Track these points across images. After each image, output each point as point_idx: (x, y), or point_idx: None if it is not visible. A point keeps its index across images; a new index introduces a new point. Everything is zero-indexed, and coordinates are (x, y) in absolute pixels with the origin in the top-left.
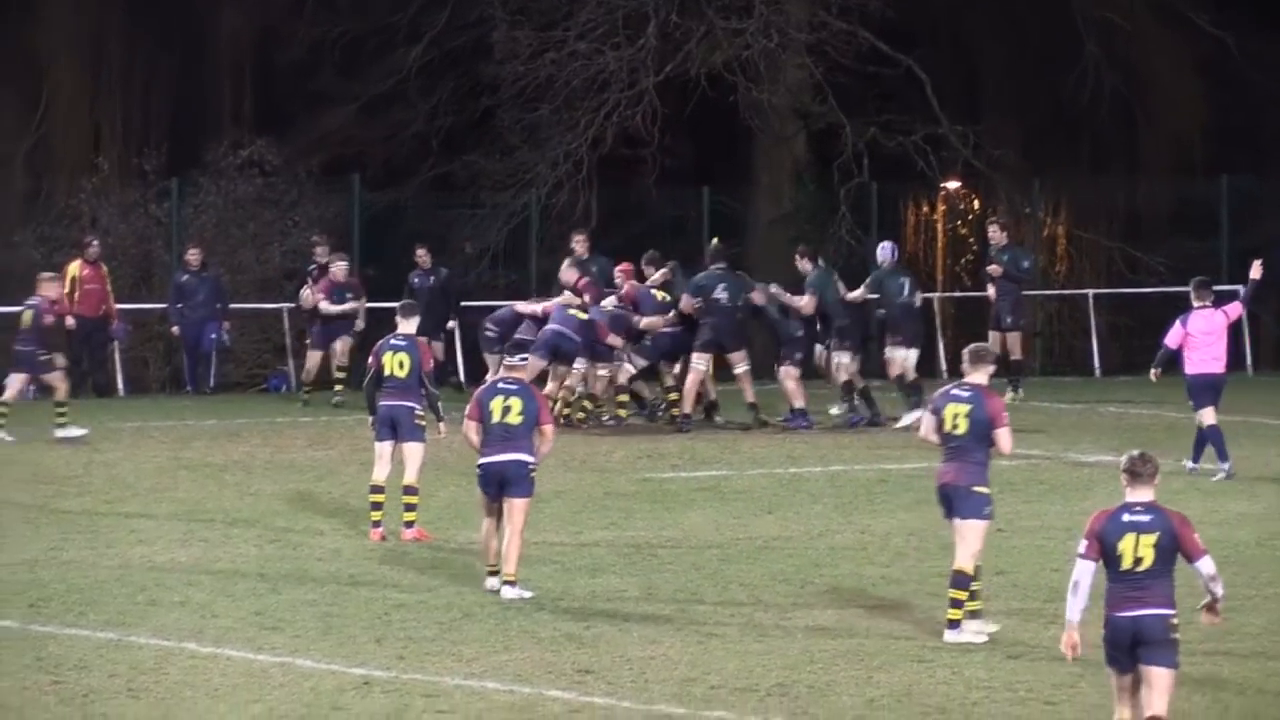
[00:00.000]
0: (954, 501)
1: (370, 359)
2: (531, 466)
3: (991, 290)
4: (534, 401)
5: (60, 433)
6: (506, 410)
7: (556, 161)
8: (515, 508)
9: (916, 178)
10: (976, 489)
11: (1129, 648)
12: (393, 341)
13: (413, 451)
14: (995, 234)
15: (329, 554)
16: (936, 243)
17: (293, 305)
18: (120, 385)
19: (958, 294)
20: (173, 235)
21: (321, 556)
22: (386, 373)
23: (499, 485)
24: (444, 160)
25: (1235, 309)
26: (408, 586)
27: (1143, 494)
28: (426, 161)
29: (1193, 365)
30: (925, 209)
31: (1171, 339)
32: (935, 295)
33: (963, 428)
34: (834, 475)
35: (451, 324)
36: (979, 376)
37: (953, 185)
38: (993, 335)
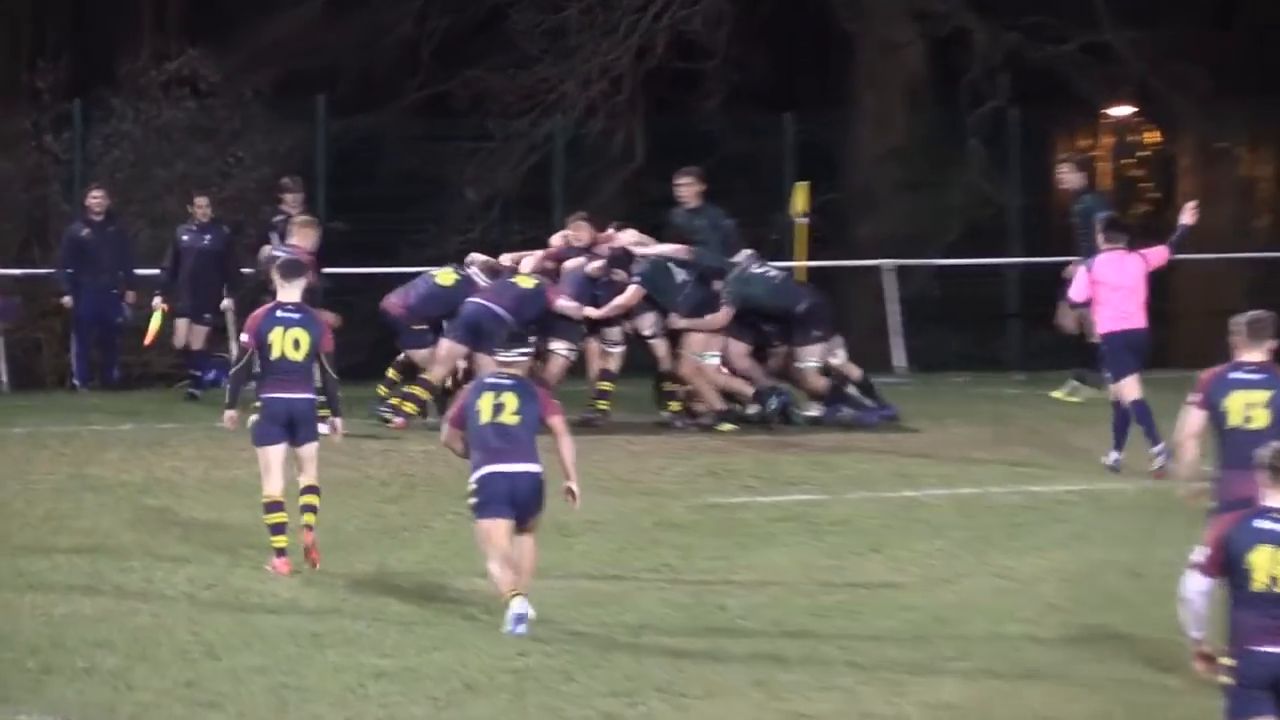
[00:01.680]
0: None
1: (244, 336)
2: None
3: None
4: (534, 398)
5: None
6: (498, 408)
7: (589, 79)
8: (526, 543)
9: (1072, 101)
10: None
11: (1271, 688)
12: (280, 314)
13: (311, 454)
14: (1068, 176)
15: (284, 604)
16: (1097, 187)
17: (244, 272)
18: (3, 377)
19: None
20: (75, 176)
21: (274, 606)
22: (274, 355)
23: (511, 502)
24: (438, 76)
25: (1159, 254)
26: (390, 648)
27: None
28: (414, 78)
29: (1104, 322)
30: (1084, 142)
31: (1077, 290)
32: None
33: (1262, 420)
34: (963, 500)
35: (227, 303)
36: (1260, 353)
37: (1120, 111)
38: (1063, 309)
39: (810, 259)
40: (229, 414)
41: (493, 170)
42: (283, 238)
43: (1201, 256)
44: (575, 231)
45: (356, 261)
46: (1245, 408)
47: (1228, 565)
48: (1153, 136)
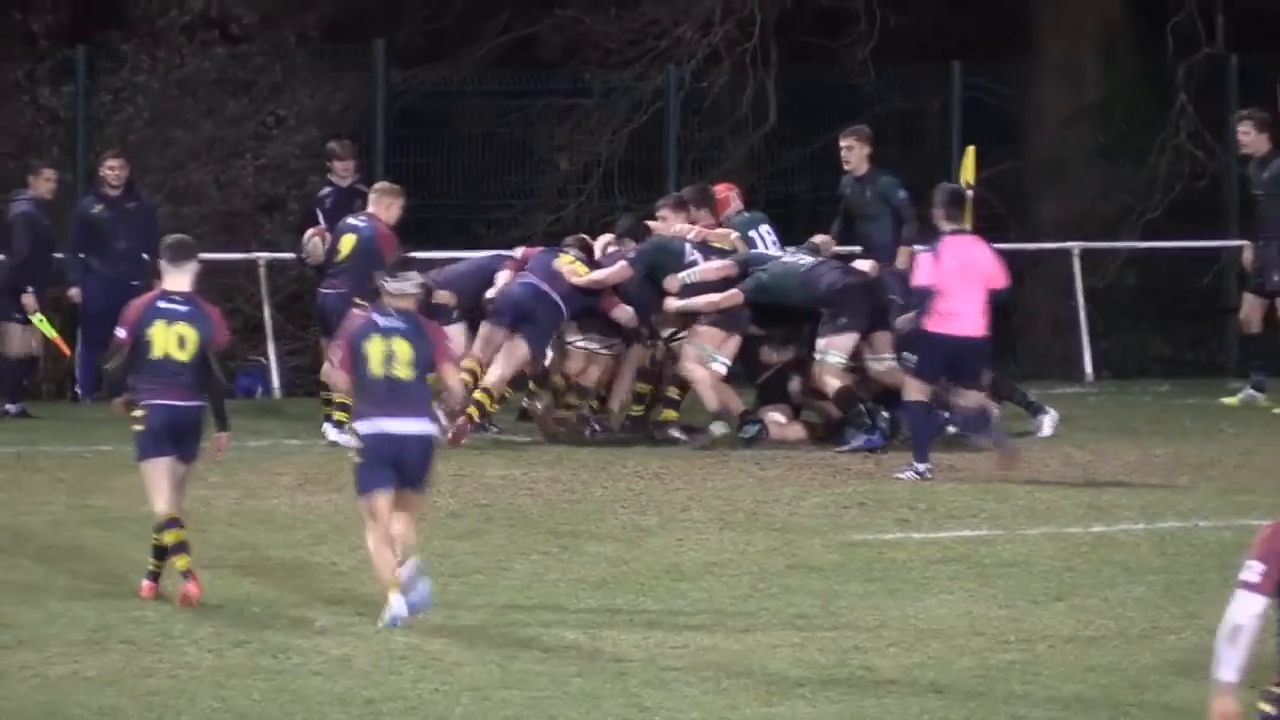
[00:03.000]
0: None
1: (120, 331)
2: (436, 442)
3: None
4: (427, 342)
5: None
6: (390, 358)
7: (709, 20)
8: (411, 504)
9: None
10: None
11: None
12: (162, 304)
13: (191, 474)
14: (1249, 136)
15: (332, 663)
16: None
17: (283, 257)
18: None
19: None
20: (78, 138)
21: (320, 667)
22: (156, 354)
23: (395, 467)
24: (521, 20)
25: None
26: (462, 719)
27: None
28: (494, 20)
29: (938, 320)
30: None
31: (924, 274)
32: None
33: None
34: (1165, 536)
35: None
36: None
37: None
38: (1249, 301)
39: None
40: (116, 401)
41: (590, 133)
42: (330, 217)
43: None
44: (662, 223)
45: (422, 245)
46: None
47: None
48: None
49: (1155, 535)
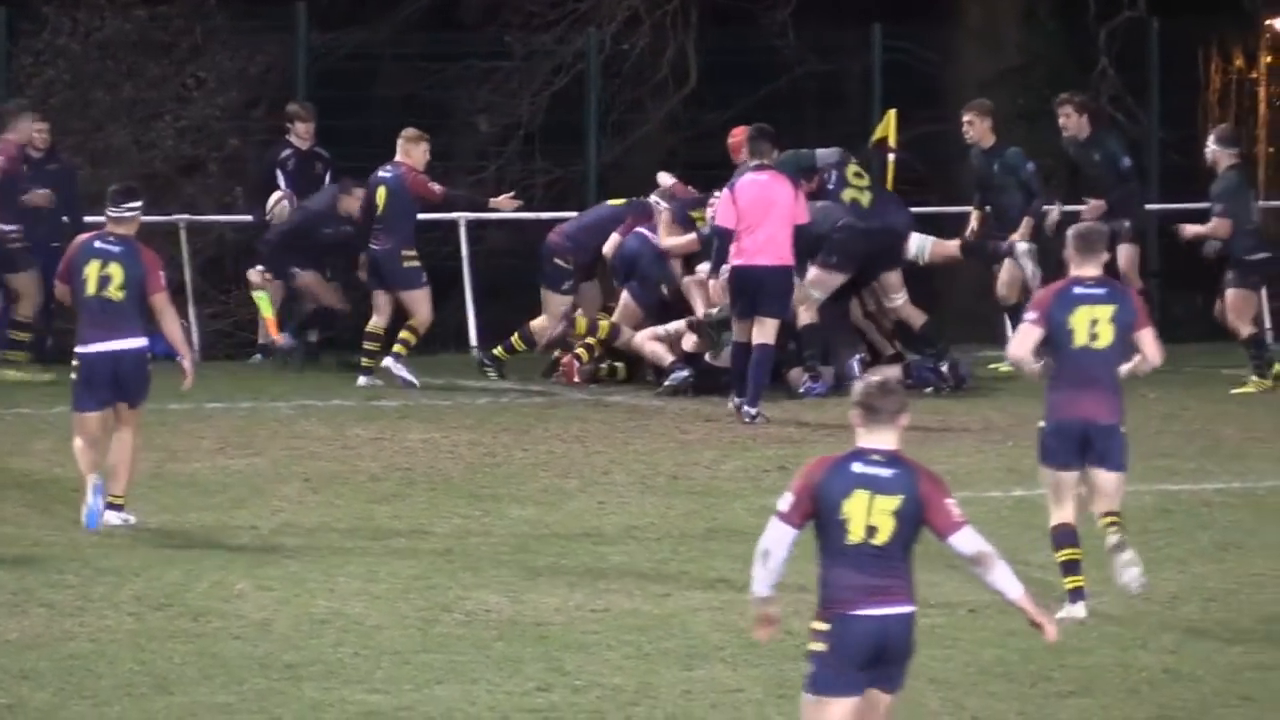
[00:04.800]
0: (1096, 444)
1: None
2: (148, 356)
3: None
4: (139, 263)
5: None
6: (105, 281)
7: None
8: (129, 417)
9: (1224, 12)
10: (1123, 429)
11: (868, 661)
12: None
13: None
14: (1071, 119)
15: (252, 627)
16: (1256, 117)
17: (202, 220)
18: None
19: None
20: None
21: (240, 630)
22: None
23: (110, 386)
24: None
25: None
26: (382, 681)
27: (882, 439)
28: None
29: (739, 254)
30: (1238, 62)
31: (724, 215)
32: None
33: (1106, 337)
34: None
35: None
36: (1095, 268)
37: None
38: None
39: None
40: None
41: (511, 96)
42: (292, 179)
43: None
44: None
45: None
46: (1089, 324)
47: (817, 513)
48: None
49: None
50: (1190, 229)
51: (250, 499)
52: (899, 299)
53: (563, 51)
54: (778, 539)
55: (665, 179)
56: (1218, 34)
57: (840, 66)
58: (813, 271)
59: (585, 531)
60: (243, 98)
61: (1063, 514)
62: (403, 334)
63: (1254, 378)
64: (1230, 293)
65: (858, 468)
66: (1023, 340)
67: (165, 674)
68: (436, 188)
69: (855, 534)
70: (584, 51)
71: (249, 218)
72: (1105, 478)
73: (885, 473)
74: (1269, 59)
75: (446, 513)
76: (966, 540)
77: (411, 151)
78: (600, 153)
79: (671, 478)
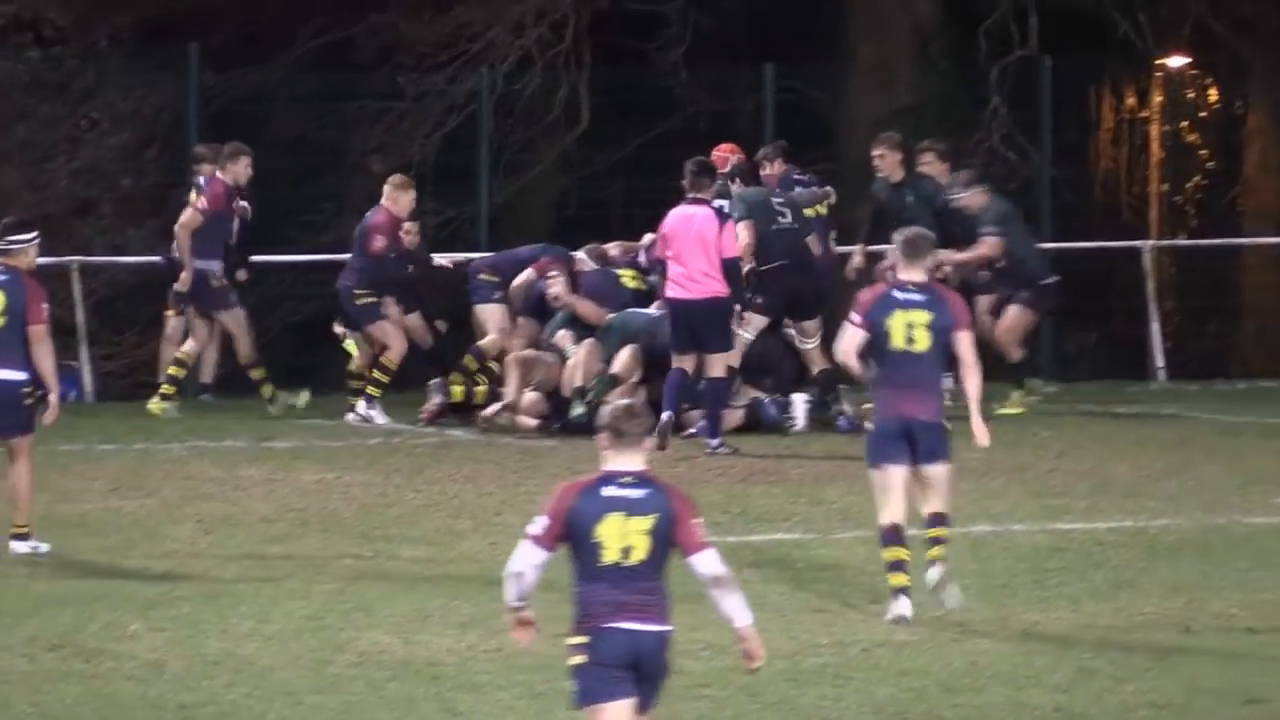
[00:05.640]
0: (921, 441)
1: None
2: (25, 389)
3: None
4: (22, 292)
5: None
6: None
7: (522, 23)
8: (15, 448)
9: (1117, 50)
10: (946, 425)
11: (629, 668)
12: None
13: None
14: (933, 166)
15: (145, 668)
16: (1148, 156)
17: (96, 261)
18: None
19: (1184, 241)
20: None
21: (134, 672)
22: None
23: None
24: (336, 24)
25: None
26: None
27: (630, 461)
28: (308, 23)
29: (671, 285)
30: (1130, 101)
31: (658, 246)
32: (1147, 243)
33: (923, 342)
34: (978, 541)
35: None
36: (920, 272)
37: (1177, 62)
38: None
39: None
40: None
41: (404, 137)
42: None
43: (1274, 240)
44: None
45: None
46: (905, 329)
47: (571, 535)
48: (1213, 93)
49: (968, 539)
50: (957, 256)
51: (143, 540)
52: (810, 344)
53: (455, 92)
54: (529, 561)
55: (586, 262)
56: (1110, 72)
57: (733, 106)
58: (745, 313)
59: (478, 572)
60: (136, 138)
61: (891, 514)
62: (373, 372)
63: (1017, 394)
64: (1012, 310)
65: (609, 491)
66: (847, 341)
67: (59, 715)
68: (378, 243)
69: (610, 555)
70: (476, 92)
71: (149, 258)
72: (932, 471)
73: (637, 494)
74: (1160, 98)
75: (339, 553)
76: (708, 562)
77: (399, 199)
78: (492, 193)
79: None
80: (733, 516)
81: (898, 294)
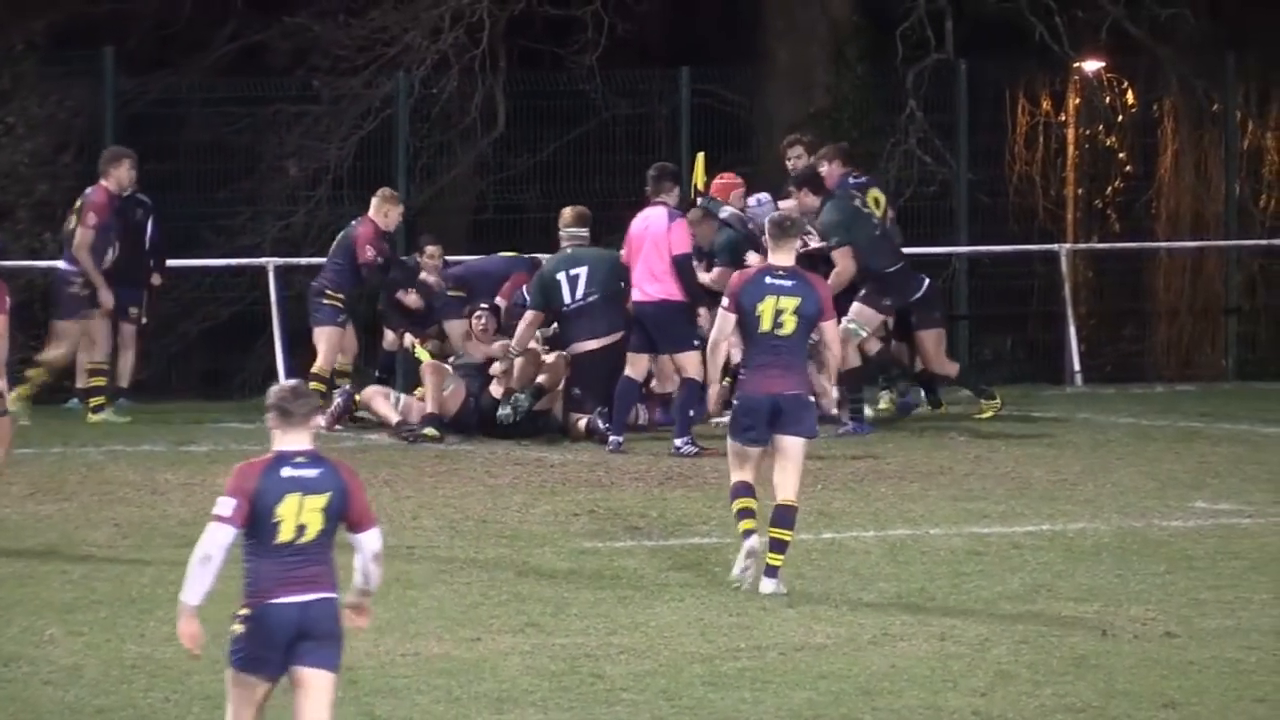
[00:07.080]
0: (786, 412)
1: None
2: None
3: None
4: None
5: None
6: None
7: (438, 27)
8: None
9: (1033, 53)
10: (811, 399)
11: (288, 644)
12: None
13: None
14: (802, 160)
15: (62, 673)
16: (1065, 159)
17: (10, 265)
18: None
19: (1100, 245)
20: None
21: (50, 676)
22: None
23: None
24: (250, 27)
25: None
26: None
27: (298, 440)
28: (223, 27)
29: (633, 290)
30: (1046, 105)
31: (625, 250)
32: (1064, 246)
33: (790, 326)
34: (896, 544)
35: None
36: (788, 257)
37: (1093, 66)
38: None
39: None
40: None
41: (320, 140)
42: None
43: (1189, 245)
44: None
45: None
46: (774, 314)
47: (253, 516)
48: (1130, 95)
49: (886, 543)
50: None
51: (60, 544)
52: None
53: (371, 95)
54: (220, 542)
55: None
56: (1026, 76)
57: (648, 109)
58: (856, 307)
59: (395, 576)
60: (51, 143)
61: (742, 474)
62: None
63: (985, 401)
64: (922, 336)
65: (287, 471)
66: (720, 327)
67: None
68: (369, 254)
69: (286, 534)
70: (392, 95)
71: (63, 264)
72: (790, 441)
73: (311, 473)
74: (1077, 101)
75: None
76: (375, 539)
77: (389, 212)
78: (409, 196)
79: (481, 522)
80: (650, 521)
81: (767, 279)
